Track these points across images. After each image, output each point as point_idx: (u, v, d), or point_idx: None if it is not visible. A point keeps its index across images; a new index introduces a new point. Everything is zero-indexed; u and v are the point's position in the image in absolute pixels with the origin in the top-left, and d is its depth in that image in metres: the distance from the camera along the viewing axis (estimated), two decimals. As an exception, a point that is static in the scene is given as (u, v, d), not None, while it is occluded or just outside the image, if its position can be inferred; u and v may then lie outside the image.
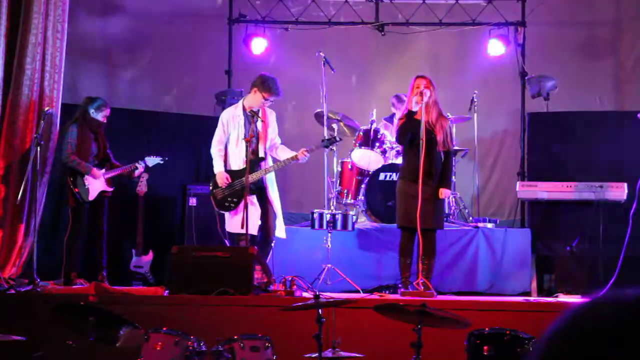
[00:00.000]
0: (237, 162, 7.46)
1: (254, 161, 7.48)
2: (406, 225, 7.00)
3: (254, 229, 7.37)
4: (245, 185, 7.24)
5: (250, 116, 7.33)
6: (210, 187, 7.64)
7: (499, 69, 10.02)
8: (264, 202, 7.51)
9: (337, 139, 7.82)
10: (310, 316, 4.87)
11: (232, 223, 7.43)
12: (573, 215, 8.19)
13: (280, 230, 7.62)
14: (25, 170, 7.54)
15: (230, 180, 7.44)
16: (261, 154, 7.56)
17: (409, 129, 6.98)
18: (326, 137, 7.79)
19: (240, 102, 7.65)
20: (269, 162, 7.60)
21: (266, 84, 7.38)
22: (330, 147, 7.88)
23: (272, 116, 7.68)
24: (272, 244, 7.58)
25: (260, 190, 7.50)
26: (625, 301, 1.03)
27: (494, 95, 10.06)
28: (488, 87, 10.02)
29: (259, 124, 7.54)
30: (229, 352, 4.86)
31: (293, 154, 7.52)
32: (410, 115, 7.02)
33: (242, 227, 7.10)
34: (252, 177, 7.34)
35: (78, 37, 9.49)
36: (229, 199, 7.42)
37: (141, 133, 9.18)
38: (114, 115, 8.05)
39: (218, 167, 7.51)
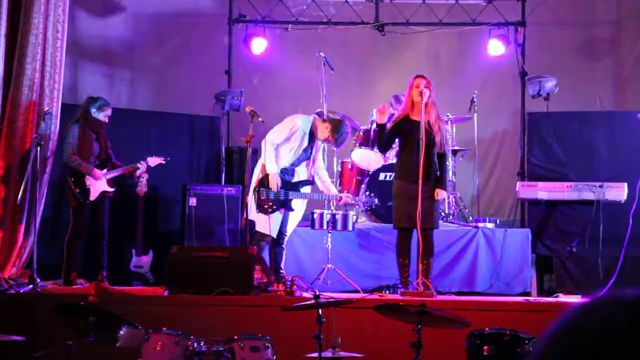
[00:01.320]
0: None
1: (298, 183, 7.60)
2: (405, 225, 6.98)
3: (274, 231, 7.48)
4: (287, 199, 7.47)
5: (253, 116, 7.33)
6: (257, 184, 7.51)
7: (499, 69, 10.02)
8: (287, 213, 7.62)
9: (375, 203, 7.99)
10: (310, 316, 4.87)
11: (262, 223, 7.45)
12: (573, 215, 8.19)
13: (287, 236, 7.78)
14: (25, 170, 7.54)
15: (280, 187, 7.47)
16: (306, 176, 7.65)
17: (388, 138, 7.17)
18: (371, 200, 7.93)
19: (312, 118, 7.64)
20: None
21: (338, 133, 7.50)
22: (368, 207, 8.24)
23: (322, 143, 7.79)
24: (284, 247, 7.67)
25: (287, 203, 7.59)
26: (625, 301, 1.03)
27: (494, 95, 10.06)
28: (488, 87, 10.02)
29: (314, 148, 7.66)
30: (229, 352, 4.86)
31: (336, 192, 7.79)
32: (382, 127, 7.11)
33: (269, 229, 7.28)
34: (294, 195, 7.52)
35: (78, 37, 9.49)
36: (270, 203, 7.43)
37: (141, 133, 9.18)
38: (114, 116, 8.05)
39: (273, 168, 7.45)
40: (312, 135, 7.60)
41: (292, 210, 7.61)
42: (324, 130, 7.55)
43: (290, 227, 7.73)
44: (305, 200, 7.73)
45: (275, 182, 7.41)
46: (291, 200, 7.53)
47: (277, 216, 7.51)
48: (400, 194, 7.05)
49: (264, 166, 7.50)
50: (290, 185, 7.53)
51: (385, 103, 7.41)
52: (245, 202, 7.26)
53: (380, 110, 7.07)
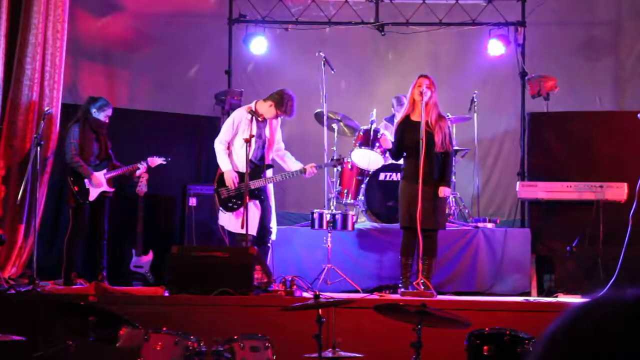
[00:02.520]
0: (243, 164, 7.46)
1: (260, 168, 7.56)
2: (408, 225, 7.01)
3: (253, 229, 7.43)
4: (250, 190, 7.36)
5: (253, 116, 7.34)
6: (215, 185, 7.65)
7: (499, 69, 10.02)
8: (264, 205, 7.58)
9: (344, 159, 7.99)
10: (310, 316, 4.87)
11: (234, 223, 7.45)
12: (573, 215, 8.18)
13: (273, 233, 7.72)
14: (25, 170, 7.54)
15: (238, 181, 7.46)
16: (267, 161, 7.65)
17: (396, 146, 7.24)
18: (335, 158, 7.97)
19: (253, 104, 7.64)
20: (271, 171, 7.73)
21: (284, 104, 7.50)
22: (337, 166, 8.14)
23: (276, 122, 7.75)
24: (269, 245, 7.63)
25: (261, 194, 7.55)
26: (625, 301, 1.03)
27: (494, 95, 10.06)
28: (488, 87, 10.02)
29: (267, 131, 7.63)
30: (229, 352, 4.86)
31: (300, 166, 7.66)
32: (404, 126, 7.13)
33: (242, 227, 7.15)
34: (256, 184, 7.45)
35: (78, 37, 9.49)
36: (233, 199, 7.45)
37: (141, 133, 9.17)
38: (114, 116, 8.05)
39: (226, 166, 7.52)
40: (262, 121, 7.56)
41: (265, 197, 7.56)
42: (269, 109, 7.55)
43: (273, 222, 7.68)
44: (271, 185, 7.70)
45: (230, 178, 7.45)
46: (256, 189, 7.47)
47: (254, 213, 7.48)
48: (403, 194, 7.11)
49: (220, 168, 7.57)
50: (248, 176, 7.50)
51: (384, 135, 7.56)
52: (246, 202, 7.24)
53: (382, 140, 7.42)
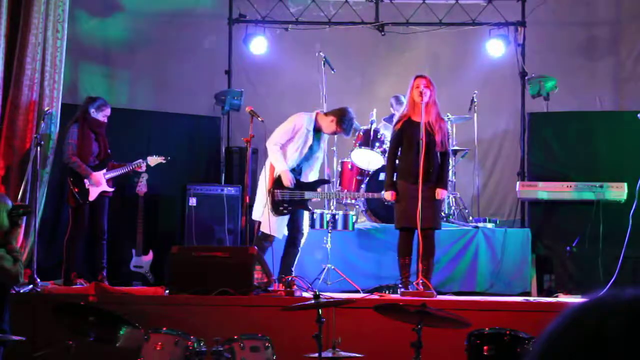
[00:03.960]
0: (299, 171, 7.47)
1: (317, 182, 7.53)
2: (406, 225, 6.98)
3: (281, 232, 7.43)
4: (304, 200, 7.36)
5: (253, 116, 7.31)
6: (270, 186, 7.39)
7: (499, 69, 10.02)
8: (299, 212, 7.53)
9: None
10: (310, 316, 4.86)
11: (269, 223, 7.39)
12: (573, 215, 8.19)
13: (304, 237, 7.65)
14: (25, 170, 7.55)
15: (294, 183, 7.38)
16: (305, 174, 7.53)
17: (395, 145, 7.14)
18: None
19: (314, 115, 7.55)
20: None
21: (345, 123, 7.46)
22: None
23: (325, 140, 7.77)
24: (299, 248, 7.57)
25: (309, 205, 7.53)
26: (625, 301, 1.03)
27: (494, 95, 10.06)
28: (488, 87, 10.02)
29: (323, 145, 7.61)
30: (229, 352, 4.86)
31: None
32: (404, 127, 7.07)
33: (273, 231, 7.23)
34: (310, 195, 7.42)
35: (78, 37, 9.49)
36: (285, 204, 7.35)
37: (141, 133, 9.17)
38: (113, 115, 8.05)
39: (282, 165, 7.35)
40: (318, 132, 7.56)
41: (310, 210, 7.54)
42: (329, 124, 7.48)
43: (305, 226, 7.63)
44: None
45: (288, 179, 7.34)
46: (307, 200, 7.45)
47: (283, 217, 7.46)
48: (401, 194, 7.05)
49: (273, 167, 7.41)
50: (306, 186, 7.44)
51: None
52: (246, 202, 7.24)
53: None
